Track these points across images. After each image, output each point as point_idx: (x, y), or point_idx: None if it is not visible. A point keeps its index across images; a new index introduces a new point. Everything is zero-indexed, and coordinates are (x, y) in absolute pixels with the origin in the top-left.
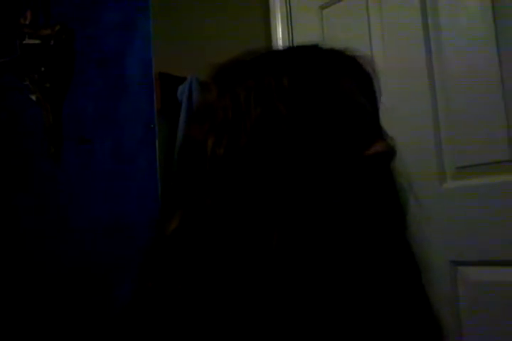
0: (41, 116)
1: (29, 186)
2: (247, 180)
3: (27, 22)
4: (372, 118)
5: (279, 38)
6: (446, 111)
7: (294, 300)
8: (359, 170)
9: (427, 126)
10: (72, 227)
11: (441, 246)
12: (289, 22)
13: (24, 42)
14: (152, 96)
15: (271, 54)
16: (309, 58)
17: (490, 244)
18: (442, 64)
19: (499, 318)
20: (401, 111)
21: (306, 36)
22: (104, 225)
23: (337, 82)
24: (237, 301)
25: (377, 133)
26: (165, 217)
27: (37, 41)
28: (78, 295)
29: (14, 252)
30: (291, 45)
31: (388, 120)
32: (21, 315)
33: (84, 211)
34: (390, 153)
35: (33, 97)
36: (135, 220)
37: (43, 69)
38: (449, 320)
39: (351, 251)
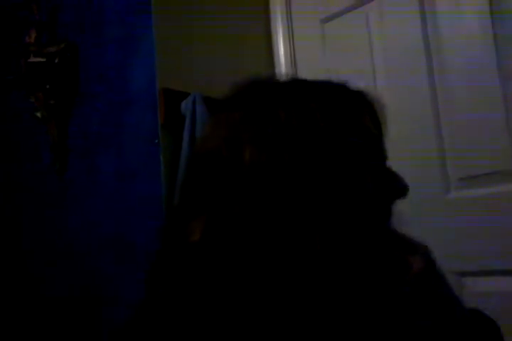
0: (46, 133)
1: (34, 202)
2: (280, 189)
3: (32, 40)
4: (384, 148)
5: (281, 53)
6: (449, 123)
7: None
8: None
9: (430, 138)
10: (74, 243)
11: (444, 257)
12: (291, 36)
13: (29, 60)
14: (156, 112)
15: (304, 83)
16: (341, 94)
17: (494, 255)
18: (444, 76)
19: (506, 329)
20: (404, 123)
21: (307, 50)
22: (107, 241)
23: (361, 115)
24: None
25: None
26: (181, 226)
27: (42, 59)
28: (77, 311)
29: (16, 267)
30: (292, 59)
31: (391, 133)
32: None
33: (87, 226)
34: (406, 189)
35: (38, 114)
36: (138, 235)
37: (47, 86)
38: None
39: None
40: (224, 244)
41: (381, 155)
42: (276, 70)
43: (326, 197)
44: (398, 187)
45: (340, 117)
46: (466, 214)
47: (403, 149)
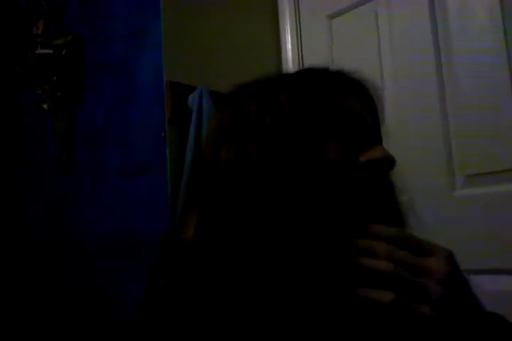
0: (53, 125)
1: (39, 195)
2: (255, 184)
3: (39, 32)
4: (371, 129)
5: (289, 48)
6: (457, 119)
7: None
8: (355, 174)
9: (437, 135)
10: (79, 238)
11: None
12: (298, 32)
13: (36, 52)
14: (163, 105)
15: (282, 76)
16: (316, 78)
17: (500, 253)
18: (452, 73)
19: None
20: (411, 120)
21: (315, 46)
22: (112, 235)
23: (336, 97)
24: (245, 297)
25: (376, 142)
26: (181, 222)
27: (49, 51)
28: (84, 310)
29: (22, 263)
30: (300, 55)
31: (399, 130)
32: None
33: (93, 220)
34: (387, 160)
35: (45, 106)
36: (144, 229)
37: (54, 78)
38: None
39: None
40: (213, 241)
41: (369, 138)
42: (284, 65)
43: (295, 187)
44: (384, 161)
45: (309, 103)
46: (473, 212)
47: (410, 145)
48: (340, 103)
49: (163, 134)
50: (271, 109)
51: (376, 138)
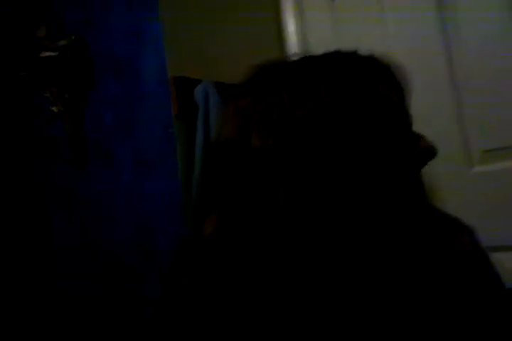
0: (63, 127)
1: (56, 197)
2: (295, 175)
3: (43, 35)
4: (407, 117)
5: (291, 31)
6: (470, 92)
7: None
8: (410, 160)
9: (450, 108)
10: (96, 239)
11: None
12: (301, 16)
13: (41, 55)
14: (169, 101)
15: (310, 60)
16: (349, 64)
17: None
18: (460, 49)
19: None
20: (423, 97)
21: (317, 29)
22: (128, 232)
23: (375, 85)
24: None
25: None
26: (199, 219)
27: (54, 53)
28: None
29: (44, 263)
30: (303, 38)
31: (412, 108)
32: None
33: (107, 219)
34: (433, 150)
35: (54, 109)
36: (156, 223)
37: (61, 80)
38: None
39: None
40: (234, 238)
41: (404, 121)
42: (287, 51)
43: (340, 184)
44: (425, 150)
45: (348, 90)
46: (491, 189)
47: (422, 122)
48: (379, 90)
49: (171, 130)
50: (306, 96)
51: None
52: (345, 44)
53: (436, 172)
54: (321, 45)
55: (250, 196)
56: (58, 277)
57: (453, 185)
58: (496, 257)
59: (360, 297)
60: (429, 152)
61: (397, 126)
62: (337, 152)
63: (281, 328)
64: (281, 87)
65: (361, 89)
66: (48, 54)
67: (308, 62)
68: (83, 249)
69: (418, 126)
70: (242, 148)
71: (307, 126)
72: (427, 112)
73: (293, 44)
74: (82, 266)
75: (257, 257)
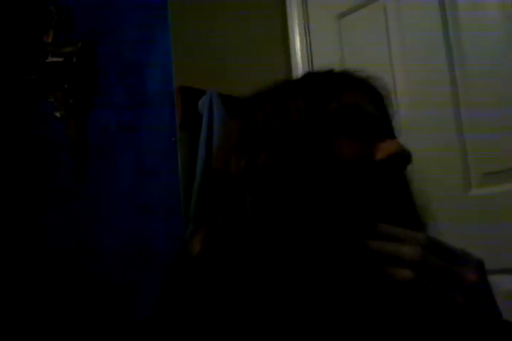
0: (65, 132)
1: (55, 202)
2: (265, 195)
3: (49, 40)
4: (382, 124)
5: (297, 49)
6: (471, 116)
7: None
8: (371, 173)
9: (451, 133)
10: (93, 246)
11: None
12: (307, 32)
13: (47, 60)
14: (173, 110)
15: (288, 82)
16: (321, 80)
17: None
18: (465, 68)
19: None
20: (424, 118)
21: (324, 46)
22: (125, 241)
23: (342, 94)
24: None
25: (389, 137)
26: (191, 237)
27: (60, 59)
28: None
29: (41, 268)
30: (309, 55)
31: (412, 128)
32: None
33: (106, 226)
34: (403, 154)
35: (58, 114)
36: (156, 231)
37: (66, 86)
38: None
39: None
40: (220, 256)
41: (381, 133)
42: (293, 66)
43: (313, 202)
44: (401, 156)
45: (317, 104)
46: (489, 212)
47: (423, 144)
48: (346, 100)
49: (174, 139)
50: (277, 114)
51: (389, 133)
52: (351, 61)
53: (434, 194)
54: (327, 63)
55: (227, 218)
56: (54, 277)
57: (450, 207)
58: (494, 280)
59: None
60: (394, 159)
61: (369, 136)
62: (304, 170)
63: None
64: (257, 109)
65: (328, 101)
66: (53, 59)
67: (286, 84)
68: (78, 252)
69: (421, 147)
70: (223, 171)
71: (278, 144)
72: (430, 135)
73: (299, 60)
74: (78, 266)
75: (236, 280)
